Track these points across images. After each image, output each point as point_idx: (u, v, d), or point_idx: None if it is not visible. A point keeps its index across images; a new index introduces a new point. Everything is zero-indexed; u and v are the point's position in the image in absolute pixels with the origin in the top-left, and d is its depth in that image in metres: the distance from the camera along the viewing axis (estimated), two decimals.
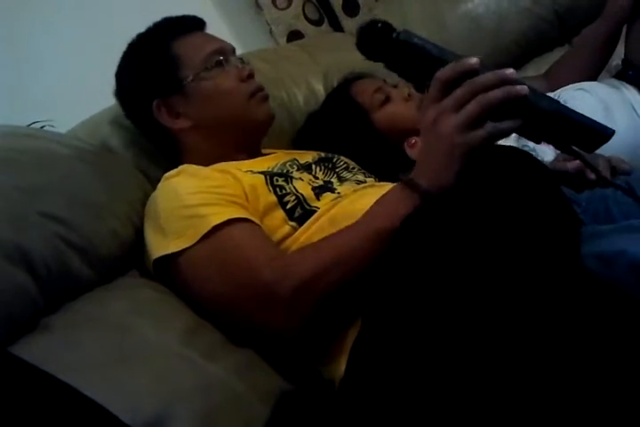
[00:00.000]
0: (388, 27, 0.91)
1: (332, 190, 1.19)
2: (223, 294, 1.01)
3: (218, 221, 1.02)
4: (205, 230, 1.02)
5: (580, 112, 1.45)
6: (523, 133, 0.92)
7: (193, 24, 1.32)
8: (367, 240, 0.96)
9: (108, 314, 0.98)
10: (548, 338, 0.82)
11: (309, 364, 1.06)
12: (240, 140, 1.28)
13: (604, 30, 1.73)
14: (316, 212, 1.12)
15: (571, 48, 1.92)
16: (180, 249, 1.03)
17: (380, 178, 1.34)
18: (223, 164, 1.21)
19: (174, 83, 1.25)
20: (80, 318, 0.96)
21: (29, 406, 0.72)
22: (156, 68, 1.27)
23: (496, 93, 0.84)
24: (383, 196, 1.00)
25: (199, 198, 1.07)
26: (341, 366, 0.97)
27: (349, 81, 1.60)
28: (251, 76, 1.29)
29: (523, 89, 0.85)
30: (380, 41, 0.90)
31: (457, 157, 0.89)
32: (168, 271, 1.06)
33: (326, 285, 0.96)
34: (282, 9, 2.12)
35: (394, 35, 0.90)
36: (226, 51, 1.29)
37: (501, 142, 1.53)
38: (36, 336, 0.91)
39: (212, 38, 1.32)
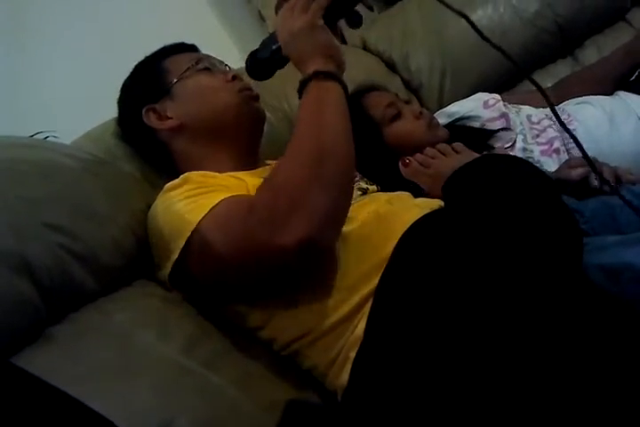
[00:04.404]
0: (254, 60, 1.21)
1: None
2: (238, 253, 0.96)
3: (224, 196, 1.02)
4: (210, 206, 1.00)
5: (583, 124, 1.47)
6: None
7: (186, 47, 1.35)
8: (317, 140, 0.98)
9: (111, 325, 0.98)
10: (548, 349, 0.82)
11: (312, 374, 1.05)
12: (232, 142, 1.26)
13: (629, 64, 1.75)
14: None
15: (586, 67, 1.92)
16: (193, 225, 1.00)
17: (383, 188, 1.34)
18: (228, 173, 1.20)
19: (161, 88, 1.27)
20: (83, 328, 0.96)
21: (31, 417, 0.72)
22: (145, 79, 1.31)
23: None
24: (302, 104, 1.04)
25: (201, 190, 1.07)
26: (344, 376, 0.97)
27: (361, 92, 1.60)
28: (236, 77, 1.29)
29: None
30: (256, 70, 1.22)
31: (317, 28, 1.07)
32: (186, 268, 1.04)
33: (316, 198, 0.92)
34: None
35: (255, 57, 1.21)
36: (211, 59, 1.32)
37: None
38: (38, 347, 0.91)
39: (199, 53, 1.35)
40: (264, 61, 1.20)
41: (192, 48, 1.36)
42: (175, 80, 1.26)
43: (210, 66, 1.29)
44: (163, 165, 1.29)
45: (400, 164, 1.46)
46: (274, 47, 1.16)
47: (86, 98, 1.71)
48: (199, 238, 1.00)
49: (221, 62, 1.34)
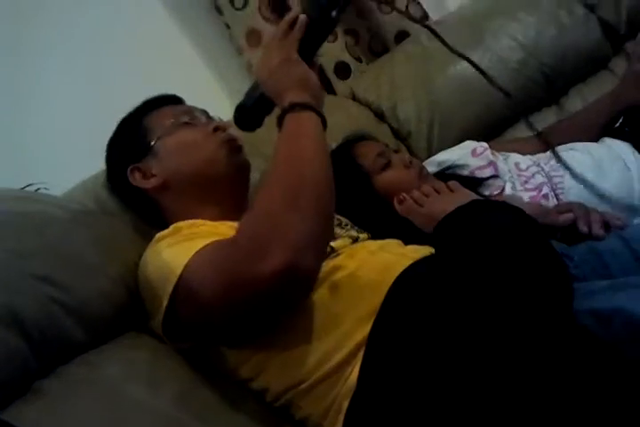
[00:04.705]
0: (241, 110, 1.20)
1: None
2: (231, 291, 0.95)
3: (210, 240, 1.01)
4: (195, 250, 1.00)
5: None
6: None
7: (167, 100, 1.35)
8: (293, 172, 0.98)
9: (101, 378, 0.97)
10: (540, 397, 0.82)
11: (306, 425, 1.04)
12: (219, 194, 1.26)
13: (614, 111, 1.78)
14: None
15: (572, 115, 1.95)
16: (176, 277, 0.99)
17: (374, 236, 1.34)
18: (217, 222, 1.20)
19: (143, 147, 1.27)
20: (72, 382, 0.95)
21: None
22: (127, 139, 1.31)
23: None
24: (279, 137, 1.04)
25: (189, 237, 1.07)
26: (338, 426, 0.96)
27: (351, 142, 1.62)
28: (218, 128, 1.28)
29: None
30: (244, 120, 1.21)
31: (292, 62, 1.10)
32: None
33: (301, 236, 0.92)
34: None
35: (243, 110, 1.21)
36: (193, 111, 1.32)
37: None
38: (28, 401, 0.90)
39: (181, 106, 1.35)
40: (250, 109, 1.20)
41: (175, 100, 1.36)
42: (156, 138, 1.26)
43: (191, 119, 1.29)
44: (153, 218, 1.28)
45: (395, 201, 1.48)
46: (258, 93, 1.16)
47: (77, 150, 1.71)
48: (186, 282, 0.99)
49: (204, 112, 1.34)
